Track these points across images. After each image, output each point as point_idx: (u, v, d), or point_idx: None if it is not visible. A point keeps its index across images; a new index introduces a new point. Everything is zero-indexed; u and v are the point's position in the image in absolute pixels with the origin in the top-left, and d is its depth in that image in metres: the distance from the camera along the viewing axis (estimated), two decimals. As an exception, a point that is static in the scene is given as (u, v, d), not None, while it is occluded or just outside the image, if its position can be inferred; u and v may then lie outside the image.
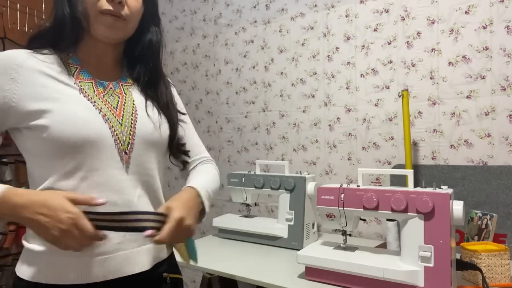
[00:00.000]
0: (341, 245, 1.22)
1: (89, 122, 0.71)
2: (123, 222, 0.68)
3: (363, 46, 1.77)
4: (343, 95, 1.83)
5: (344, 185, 1.18)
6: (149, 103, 0.83)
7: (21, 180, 1.93)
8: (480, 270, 1.07)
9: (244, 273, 1.25)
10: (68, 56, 0.77)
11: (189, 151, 0.93)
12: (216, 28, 2.29)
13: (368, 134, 1.77)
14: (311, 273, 1.18)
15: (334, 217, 1.19)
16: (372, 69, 1.75)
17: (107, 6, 0.72)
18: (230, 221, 1.73)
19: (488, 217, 1.28)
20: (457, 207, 1.01)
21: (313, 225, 1.62)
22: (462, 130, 1.55)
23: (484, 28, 1.50)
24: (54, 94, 0.70)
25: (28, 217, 0.63)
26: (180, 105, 0.95)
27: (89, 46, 0.79)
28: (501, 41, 1.47)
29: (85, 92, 0.74)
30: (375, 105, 1.74)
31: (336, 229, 1.22)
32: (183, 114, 0.94)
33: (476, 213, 1.33)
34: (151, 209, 0.79)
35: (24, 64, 0.71)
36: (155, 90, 0.86)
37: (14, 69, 0.70)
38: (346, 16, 1.82)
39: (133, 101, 0.81)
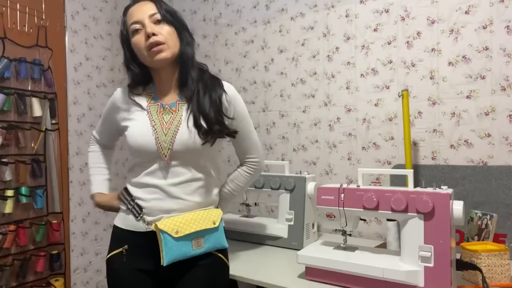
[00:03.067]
0: (341, 245, 1.22)
1: (141, 135, 1.07)
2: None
3: (363, 46, 1.77)
4: (343, 95, 1.83)
5: (344, 185, 1.18)
6: (190, 116, 1.08)
7: (21, 180, 1.93)
8: (480, 270, 1.07)
9: (244, 273, 1.25)
10: (149, 87, 1.17)
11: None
12: (216, 28, 2.29)
13: (368, 134, 1.77)
14: (311, 273, 1.18)
15: (334, 217, 1.19)
16: (372, 69, 1.75)
17: (148, 42, 1.05)
18: (230, 221, 1.73)
19: (488, 217, 1.28)
20: (457, 207, 1.01)
21: (313, 225, 1.62)
22: (462, 130, 1.55)
23: (484, 28, 1.50)
24: (132, 116, 1.12)
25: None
26: (227, 110, 1.13)
27: (157, 78, 1.15)
28: (501, 41, 1.47)
29: (151, 113, 1.10)
30: (375, 105, 1.75)
31: (336, 229, 1.22)
32: (230, 118, 1.13)
33: (476, 213, 1.33)
34: (187, 192, 1.07)
35: (121, 99, 1.16)
36: (192, 95, 1.10)
37: (116, 103, 1.17)
38: (346, 16, 1.82)
39: (181, 115, 1.09)
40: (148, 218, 1.05)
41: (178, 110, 1.11)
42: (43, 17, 2.09)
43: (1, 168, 1.87)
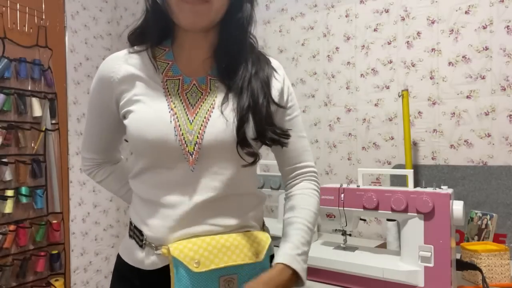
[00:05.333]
0: (341, 245, 1.22)
1: (153, 123, 0.71)
2: None
3: (363, 46, 1.77)
4: (343, 95, 1.83)
5: (344, 185, 1.18)
6: (230, 96, 0.75)
7: (21, 180, 1.93)
8: (480, 270, 1.07)
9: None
10: (164, 52, 0.79)
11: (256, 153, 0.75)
12: (216, 28, 2.28)
13: (368, 134, 1.77)
14: (311, 273, 1.17)
15: (334, 217, 1.19)
16: (372, 69, 1.75)
17: None
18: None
19: (488, 217, 1.28)
20: (457, 207, 1.01)
21: (313, 225, 1.61)
22: (462, 130, 1.55)
23: (484, 28, 1.50)
24: (139, 96, 0.74)
25: None
26: (280, 97, 0.81)
27: (181, 40, 0.78)
28: (501, 41, 1.47)
29: (168, 90, 0.74)
30: (375, 105, 1.75)
31: (336, 229, 1.22)
32: (282, 107, 0.80)
33: (476, 213, 1.33)
34: (216, 215, 0.73)
35: (119, 71, 0.76)
36: (236, 80, 0.76)
37: (112, 77, 0.76)
38: (346, 16, 1.82)
39: (216, 97, 0.75)
40: (158, 249, 0.72)
41: (210, 89, 0.76)
42: (43, 17, 2.09)
43: (1, 168, 1.87)
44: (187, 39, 0.77)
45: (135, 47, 0.79)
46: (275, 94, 0.80)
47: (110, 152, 0.91)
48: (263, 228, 0.85)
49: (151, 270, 0.73)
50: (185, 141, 0.71)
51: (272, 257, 0.79)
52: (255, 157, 0.73)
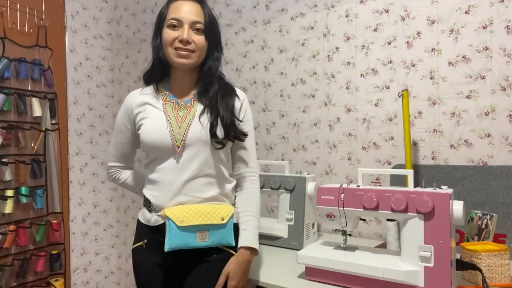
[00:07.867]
0: (341, 245, 1.22)
1: (156, 130, 1.11)
2: None
3: (363, 46, 1.77)
4: (343, 95, 1.83)
5: (344, 185, 1.18)
6: (206, 111, 1.13)
7: (21, 180, 1.93)
8: (480, 270, 1.07)
9: (244, 273, 1.25)
10: (164, 85, 1.21)
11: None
12: (216, 28, 2.28)
13: (368, 134, 1.77)
14: (311, 273, 1.18)
15: (334, 217, 1.19)
16: (372, 69, 1.75)
17: (179, 45, 1.10)
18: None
19: (488, 217, 1.28)
20: (457, 207, 1.01)
21: (313, 225, 1.62)
22: (462, 130, 1.55)
23: (484, 28, 1.50)
24: (147, 115, 1.15)
25: None
26: (240, 116, 1.18)
27: (174, 76, 1.19)
28: (501, 41, 1.47)
29: (166, 109, 1.14)
30: (375, 105, 1.75)
31: (336, 229, 1.22)
32: (239, 120, 1.17)
33: (476, 213, 1.33)
34: (197, 189, 1.10)
35: (135, 101, 1.18)
36: (211, 101, 1.15)
37: (131, 105, 1.18)
38: (346, 16, 1.82)
39: (195, 111, 1.14)
40: (159, 212, 1.10)
41: (193, 106, 1.15)
42: (43, 17, 2.09)
43: (1, 168, 1.87)
44: (178, 76, 1.18)
45: (145, 87, 1.21)
46: (236, 111, 1.18)
47: (128, 161, 1.29)
48: (233, 205, 1.18)
49: (155, 225, 1.12)
50: (175, 140, 1.10)
51: (236, 225, 1.13)
52: (222, 144, 1.12)
